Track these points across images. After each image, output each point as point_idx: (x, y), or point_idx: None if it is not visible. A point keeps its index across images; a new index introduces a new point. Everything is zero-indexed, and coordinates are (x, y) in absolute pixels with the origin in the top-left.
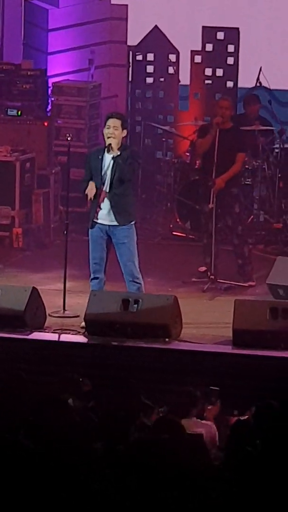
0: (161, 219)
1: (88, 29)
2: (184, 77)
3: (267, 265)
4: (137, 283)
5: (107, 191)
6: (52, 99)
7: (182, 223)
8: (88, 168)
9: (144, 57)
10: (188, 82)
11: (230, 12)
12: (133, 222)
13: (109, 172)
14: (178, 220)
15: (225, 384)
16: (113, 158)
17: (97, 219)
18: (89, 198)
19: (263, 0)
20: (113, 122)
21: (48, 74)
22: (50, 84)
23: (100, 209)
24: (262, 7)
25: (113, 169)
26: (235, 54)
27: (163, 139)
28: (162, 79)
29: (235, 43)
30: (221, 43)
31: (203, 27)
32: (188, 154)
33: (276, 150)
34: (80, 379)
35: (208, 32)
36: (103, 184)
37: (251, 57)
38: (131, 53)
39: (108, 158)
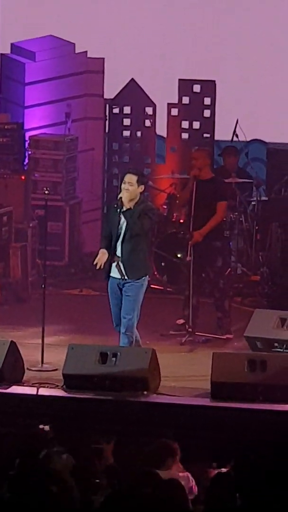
0: None
1: (65, 83)
2: (161, 130)
3: (245, 317)
4: (129, 336)
5: (120, 245)
6: (29, 152)
7: (160, 276)
8: (106, 222)
9: (121, 110)
10: (165, 134)
11: (206, 64)
12: (144, 278)
13: (123, 227)
14: (155, 273)
15: (204, 436)
16: (122, 212)
17: (110, 272)
18: (98, 267)
19: (238, 52)
20: (129, 178)
21: (25, 127)
22: (27, 138)
23: (114, 262)
24: (237, 60)
25: (126, 223)
26: (212, 106)
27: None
28: (139, 132)
29: (211, 96)
30: (197, 95)
31: (180, 79)
32: (165, 207)
33: (253, 203)
34: (42, 428)
35: (185, 85)
36: (118, 238)
37: (228, 110)
38: (107, 106)
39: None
